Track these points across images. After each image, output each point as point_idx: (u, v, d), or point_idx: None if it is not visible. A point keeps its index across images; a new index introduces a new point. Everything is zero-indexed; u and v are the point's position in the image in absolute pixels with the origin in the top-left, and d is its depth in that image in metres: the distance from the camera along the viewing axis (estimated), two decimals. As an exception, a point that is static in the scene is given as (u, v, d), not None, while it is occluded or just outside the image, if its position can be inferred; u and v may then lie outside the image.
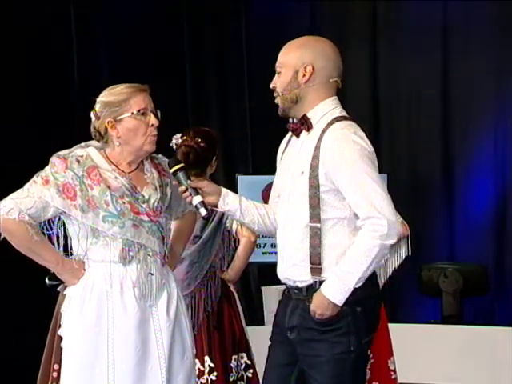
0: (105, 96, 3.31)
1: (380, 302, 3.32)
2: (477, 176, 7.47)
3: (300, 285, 3.17)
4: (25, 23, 6.09)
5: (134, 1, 7.07)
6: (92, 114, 3.33)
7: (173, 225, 3.57)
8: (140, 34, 7.02)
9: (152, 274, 3.29)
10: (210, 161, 4.38)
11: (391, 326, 5.18)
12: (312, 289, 3.13)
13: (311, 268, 3.13)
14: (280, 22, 7.47)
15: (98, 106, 3.31)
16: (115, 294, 3.24)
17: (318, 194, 3.10)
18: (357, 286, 3.07)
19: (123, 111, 3.27)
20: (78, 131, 6.17)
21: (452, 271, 6.98)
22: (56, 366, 3.35)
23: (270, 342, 3.33)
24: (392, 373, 5.15)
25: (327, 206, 3.11)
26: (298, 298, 3.19)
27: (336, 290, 3.08)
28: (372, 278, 3.16)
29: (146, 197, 3.32)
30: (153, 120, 3.29)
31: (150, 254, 3.30)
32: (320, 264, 3.11)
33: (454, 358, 6.60)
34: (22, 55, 6.05)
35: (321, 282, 3.11)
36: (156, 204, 3.33)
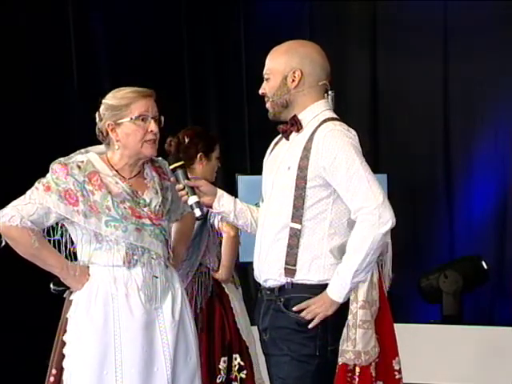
0: (109, 98, 3.34)
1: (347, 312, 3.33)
2: (477, 176, 7.47)
3: (272, 285, 3.19)
4: (23, 23, 6.09)
5: (134, 1, 7.06)
6: (96, 115, 3.36)
7: (173, 227, 3.58)
8: (139, 35, 7.02)
9: (157, 277, 3.31)
10: (193, 156, 4.44)
11: (391, 326, 5.20)
12: (284, 289, 3.15)
13: (285, 268, 3.14)
14: (279, 22, 7.47)
15: (102, 108, 3.34)
16: (121, 296, 3.26)
17: (304, 195, 3.11)
18: (356, 280, 3.07)
19: (123, 115, 3.29)
20: (77, 131, 6.24)
21: (452, 271, 7.00)
22: (54, 371, 3.33)
23: None
24: (396, 373, 5.15)
25: (311, 202, 3.12)
26: (270, 298, 3.21)
27: (334, 285, 3.09)
28: None
29: (148, 201, 3.33)
30: (152, 126, 3.30)
31: (154, 257, 3.32)
32: (295, 265, 3.13)
33: (454, 357, 6.60)
34: (20, 56, 6.05)
35: (293, 284, 3.13)
36: (157, 207, 3.34)
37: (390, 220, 3.05)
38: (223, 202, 3.30)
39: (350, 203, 3.09)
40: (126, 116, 3.28)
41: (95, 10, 6.82)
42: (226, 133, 7.62)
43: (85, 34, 6.68)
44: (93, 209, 3.22)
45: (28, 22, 6.12)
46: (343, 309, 3.22)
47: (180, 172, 3.27)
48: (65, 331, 3.32)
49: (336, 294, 3.09)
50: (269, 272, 3.19)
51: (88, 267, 3.30)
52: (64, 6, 6.47)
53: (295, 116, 3.19)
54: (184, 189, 3.24)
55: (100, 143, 3.43)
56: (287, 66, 3.18)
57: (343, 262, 3.08)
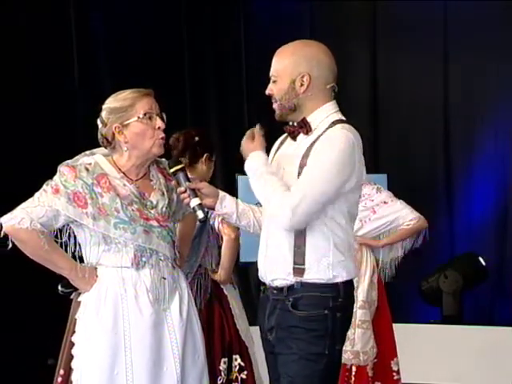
0: (110, 102, 3.32)
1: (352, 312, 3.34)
2: (477, 176, 7.48)
3: (280, 285, 3.18)
4: (23, 23, 6.10)
5: (134, 1, 7.07)
6: (99, 121, 3.34)
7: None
8: (139, 35, 7.03)
9: (165, 279, 3.32)
10: (199, 155, 4.42)
11: (391, 326, 5.20)
12: (293, 289, 3.14)
13: (294, 268, 3.13)
14: (280, 22, 7.48)
15: (104, 113, 3.32)
16: (130, 297, 3.27)
17: None
18: (253, 182, 3.14)
19: (129, 116, 3.28)
20: (77, 131, 6.25)
21: (451, 271, 7.00)
22: (62, 372, 3.33)
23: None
24: (395, 373, 5.15)
25: None
26: (277, 298, 3.20)
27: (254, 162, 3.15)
28: (351, 288, 3.21)
29: (155, 202, 3.34)
30: (159, 123, 3.31)
31: (162, 258, 3.33)
32: (303, 264, 3.12)
33: (454, 358, 6.60)
34: (20, 56, 6.05)
35: (302, 283, 3.12)
36: (164, 209, 3.35)
37: (291, 226, 3.06)
38: (225, 204, 3.29)
39: (292, 181, 3.09)
40: (133, 116, 3.28)
41: (95, 9, 6.83)
42: (226, 133, 7.61)
43: (85, 33, 6.68)
44: (101, 211, 3.23)
45: (28, 21, 6.12)
46: (351, 308, 3.23)
47: (181, 175, 3.26)
48: (73, 332, 3.31)
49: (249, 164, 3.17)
50: (277, 272, 3.18)
51: (96, 268, 3.31)
52: (65, 6, 6.47)
53: (304, 119, 3.18)
54: (186, 191, 3.24)
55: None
56: (295, 70, 3.15)
57: (268, 181, 3.10)
